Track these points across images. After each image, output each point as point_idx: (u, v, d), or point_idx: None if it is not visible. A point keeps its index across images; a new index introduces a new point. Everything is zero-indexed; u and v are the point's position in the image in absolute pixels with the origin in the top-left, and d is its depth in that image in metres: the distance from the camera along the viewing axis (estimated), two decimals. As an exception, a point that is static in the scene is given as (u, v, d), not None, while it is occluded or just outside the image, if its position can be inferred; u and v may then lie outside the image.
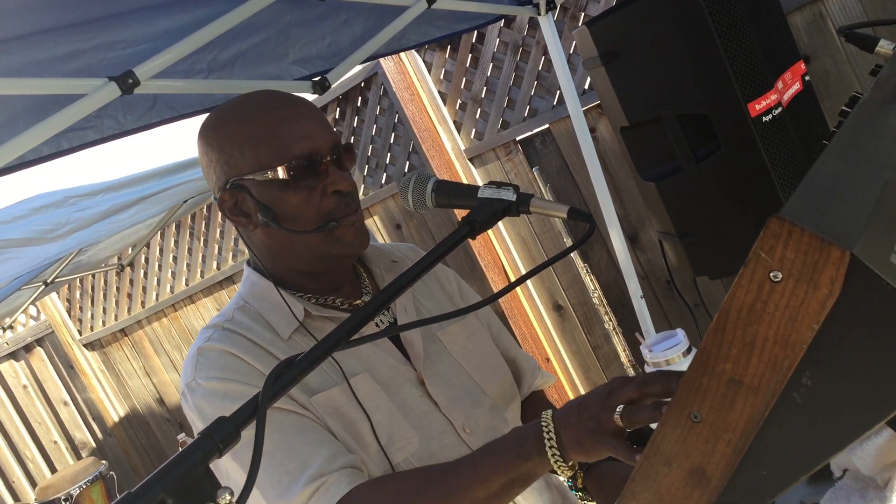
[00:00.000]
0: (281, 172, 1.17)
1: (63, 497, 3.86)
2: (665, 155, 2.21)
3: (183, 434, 4.20)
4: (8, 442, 6.22)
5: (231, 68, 1.93)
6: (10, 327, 5.45)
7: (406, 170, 3.96)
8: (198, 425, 1.20)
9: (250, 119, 1.20)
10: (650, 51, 2.14)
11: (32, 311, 5.67)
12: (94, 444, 5.79)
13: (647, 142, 2.28)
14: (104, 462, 4.14)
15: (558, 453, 0.98)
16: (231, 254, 4.66)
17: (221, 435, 0.80)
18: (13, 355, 5.91)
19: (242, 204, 1.22)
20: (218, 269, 4.75)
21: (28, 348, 5.81)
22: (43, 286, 4.04)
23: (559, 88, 3.30)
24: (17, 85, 1.45)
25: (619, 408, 0.92)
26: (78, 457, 5.85)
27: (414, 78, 3.74)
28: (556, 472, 1.01)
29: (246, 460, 1.11)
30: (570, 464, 0.99)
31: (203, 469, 0.78)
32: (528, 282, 3.79)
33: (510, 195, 1.08)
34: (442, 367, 1.30)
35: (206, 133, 1.25)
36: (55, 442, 5.98)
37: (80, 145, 1.71)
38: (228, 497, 0.75)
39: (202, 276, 4.83)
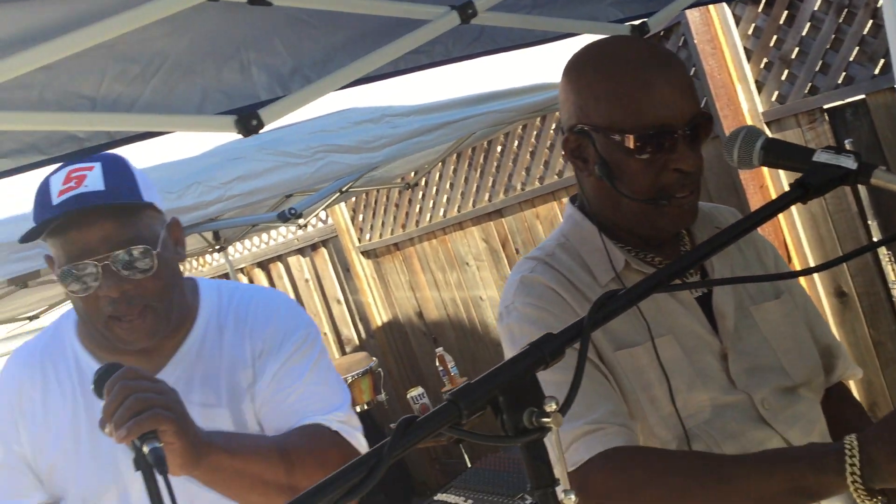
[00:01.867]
0: (629, 140, 1.17)
1: (335, 381, 4.35)
2: None
3: (441, 348, 4.53)
4: (287, 326, 7.08)
5: (553, 5, 1.99)
6: (304, 226, 6.12)
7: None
8: (506, 344, 1.29)
9: (615, 73, 1.20)
10: None
11: (322, 214, 6.33)
12: (357, 342, 6.41)
13: None
14: (375, 359, 4.59)
15: (858, 475, 0.92)
16: (503, 188, 4.83)
17: (549, 349, 0.87)
18: (301, 251, 6.66)
19: (584, 150, 1.25)
20: (489, 201, 4.96)
21: (314, 247, 6.52)
22: (338, 194, 4.48)
23: (884, 57, 2.98)
24: (370, 6, 1.61)
25: None
26: (343, 351, 6.52)
27: (719, 30, 3.57)
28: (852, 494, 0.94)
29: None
30: (870, 489, 0.92)
31: (531, 378, 0.85)
32: (808, 260, 3.55)
33: (850, 163, 1.01)
34: (749, 344, 1.28)
35: (570, 71, 1.28)
36: (325, 334, 6.71)
37: (413, 67, 1.88)
38: (554, 405, 0.81)
39: (473, 206, 5.08)
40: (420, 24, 1.65)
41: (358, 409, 4.35)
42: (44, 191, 1.30)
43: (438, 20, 1.61)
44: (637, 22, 2.06)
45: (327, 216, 6.30)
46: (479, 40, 2.00)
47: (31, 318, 5.83)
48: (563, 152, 1.32)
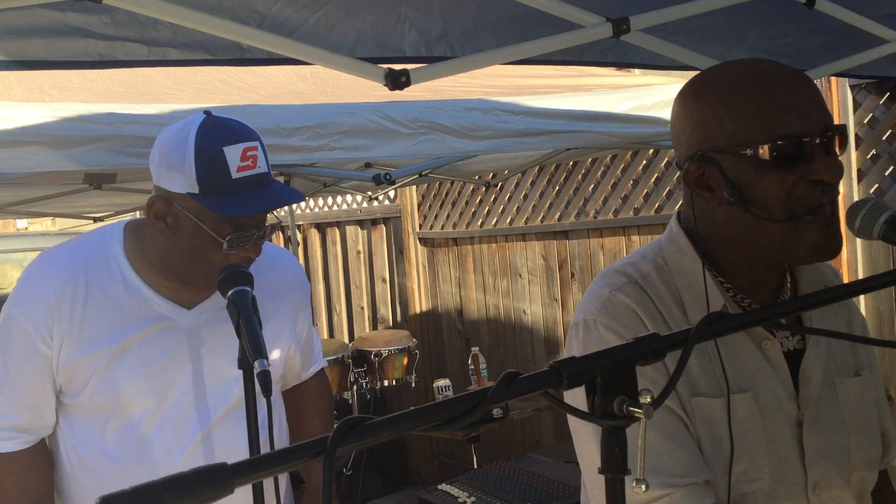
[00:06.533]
0: (761, 151, 1.09)
1: (374, 352, 4.47)
2: None
3: (476, 348, 4.57)
4: (326, 292, 7.18)
5: (696, 35, 1.99)
6: (374, 200, 6.20)
7: None
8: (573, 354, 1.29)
9: (736, 90, 1.12)
10: None
11: (391, 193, 6.40)
12: (390, 323, 6.48)
13: None
14: (415, 339, 4.67)
15: None
16: (576, 211, 4.86)
17: (652, 347, 0.90)
18: (360, 223, 6.76)
19: (709, 178, 1.15)
20: (558, 220, 4.98)
21: (374, 222, 6.61)
22: (417, 176, 4.55)
23: None
24: None
25: None
26: (375, 328, 6.60)
27: (835, 111, 3.55)
28: None
29: None
30: None
31: (630, 370, 0.88)
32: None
33: None
34: (826, 418, 1.24)
35: (687, 98, 1.20)
36: (362, 308, 6.80)
37: (542, 60, 1.89)
38: (648, 398, 0.83)
39: (542, 221, 5.11)
40: (570, 25, 1.69)
41: (386, 383, 4.47)
42: (219, 160, 1.49)
43: (592, 28, 1.64)
44: None
45: (395, 196, 6.38)
46: (612, 50, 2.03)
47: (94, 220, 6.01)
48: (683, 183, 1.21)
